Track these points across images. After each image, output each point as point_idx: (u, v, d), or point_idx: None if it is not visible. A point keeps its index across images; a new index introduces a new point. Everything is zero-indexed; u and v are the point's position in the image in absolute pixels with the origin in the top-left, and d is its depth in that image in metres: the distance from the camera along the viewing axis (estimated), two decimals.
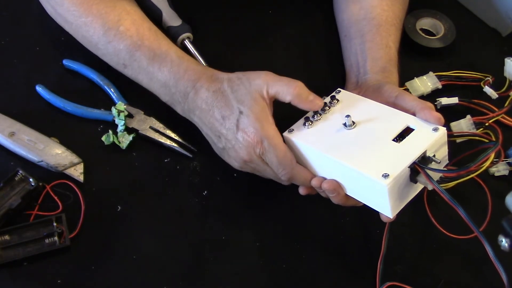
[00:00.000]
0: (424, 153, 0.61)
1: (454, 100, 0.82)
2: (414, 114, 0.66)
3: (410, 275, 0.70)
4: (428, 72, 0.85)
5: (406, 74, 0.84)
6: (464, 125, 0.80)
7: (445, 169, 0.63)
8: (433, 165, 0.62)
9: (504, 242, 0.57)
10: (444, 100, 0.81)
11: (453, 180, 0.62)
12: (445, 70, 0.86)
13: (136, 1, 0.79)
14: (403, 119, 0.65)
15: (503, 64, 0.83)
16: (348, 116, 0.66)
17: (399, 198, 0.62)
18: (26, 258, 0.67)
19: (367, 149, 0.63)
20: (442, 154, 0.65)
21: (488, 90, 0.83)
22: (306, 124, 0.68)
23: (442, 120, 0.64)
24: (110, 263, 0.68)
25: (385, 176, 0.59)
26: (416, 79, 0.85)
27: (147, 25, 0.75)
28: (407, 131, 0.64)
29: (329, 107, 0.69)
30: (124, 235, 0.70)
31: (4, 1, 0.88)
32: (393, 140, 0.63)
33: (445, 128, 0.63)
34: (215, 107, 0.69)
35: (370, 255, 0.72)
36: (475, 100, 0.83)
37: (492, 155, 0.62)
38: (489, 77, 0.84)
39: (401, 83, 0.83)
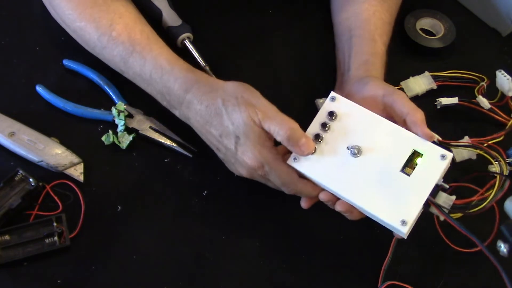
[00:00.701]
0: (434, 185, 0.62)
1: (454, 100, 0.81)
2: (404, 121, 0.66)
3: (410, 275, 0.70)
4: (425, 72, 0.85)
5: (406, 74, 0.84)
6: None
7: (456, 204, 0.63)
8: (441, 196, 0.62)
9: (503, 247, 0.57)
10: (444, 100, 0.81)
11: (463, 211, 0.64)
12: (444, 70, 0.86)
13: (136, 1, 0.79)
14: (408, 142, 0.65)
15: (502, 64, 0.83)
16: (354, 146, 0.65)
17: (412, 224, 0.64)
18: (26, 258, 0.67)
19: (378, 187, 0.64)
20: (444, 174, 0.66)
21: (481, 100, 0.82)
22: None
23: (434, 137, 0.64)
24: (110, 263, 0.68)
25: (403, 222, 0.61)
26: (411, 79, 0.84)
27: (139, 28, 0.73)
28: (414, 154, 0.64)
29: (329, 126, 0.68)
30: (124, 235, 0.70)
31: (4, 1, 0.89)
32: (402, 168, 0.64)
33: (452, 154, 0.64)
34: (211, 124, 0.67)
35: (371, 255, 0.72)
36: (475, 100, 0.82)
37: (506, 188, 0.63)
38: (484, 81, 0.83)
39: (398, 83, 0.83)
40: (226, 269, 0.70)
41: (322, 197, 0.67)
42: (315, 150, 0.67)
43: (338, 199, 0.67)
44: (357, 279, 0.71)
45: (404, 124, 0.67)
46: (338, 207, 0.66)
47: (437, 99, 0.82)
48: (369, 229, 0.73)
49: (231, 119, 0.66)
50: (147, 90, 0.74)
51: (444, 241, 0.71)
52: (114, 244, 0.70)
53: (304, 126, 0.69)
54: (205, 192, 0.74)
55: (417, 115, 0.65)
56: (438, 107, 0.81)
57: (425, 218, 0.65)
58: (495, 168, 0.74)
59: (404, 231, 0.61)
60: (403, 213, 0.61)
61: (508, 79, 0.78)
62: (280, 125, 0.65)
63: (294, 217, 0.74)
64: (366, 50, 0.77)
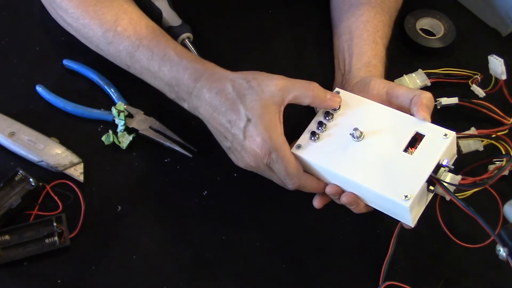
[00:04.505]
0: (438, 162, 0.62)
1: (454, 100, 0.81)
2: (409, 105, 0.67)
3: (410, 275, 0.70)
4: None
5: (405, 74, 0.84)
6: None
7: (462, 183, 0.64)
8: (447, 175, 0.62)
9: (502, 251, 0.57)
10: (444, 100, 0.81)
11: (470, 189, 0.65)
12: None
13: (136, 1, 0.79)
14: (411, 124, 0.65)
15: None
16: (356, 129, 0.66)
17: (418, 209, 0.64)
18: (26, 258, 0.67)
19: (381, 166, 0.64)
20: (452, 155, 0.66)
21: (475, 88, 0.82)
22: (313, 138, 0.67)
23: (427, 120, 0.65)
24: (110, 263, 0.68)
25: (406, 197, 0.60)
26: (405, 76, 0.84)
27: (144, 23, 0.74)
28: (417, 136, 0.65)
29: (332, 115, 0.69)
30: (124, 235, 0.70)
31: (4, 1, 0.88)
32: (405, 149, 0.64)
33: (454, 133, 0.64)
34: (220, 110, 0.67)
35: (371, 255, 0.72)
36: (475, 100, 0.83)
37: (508, 169, 0.64)
38: (477, 75, 0.83)
39: (392, 81, 0.83)
40: (226, 269, 0.70)
41: (329, 190, 0.67)
42: (325, 119, 0.68)
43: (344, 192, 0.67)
44: (357, 279, 0.71)
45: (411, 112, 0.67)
46: (344, 199, 0.66)
47: (437, 99, 0.82)
48: (369, 229, 0.73)
49: (244, 102, 0.66)
50: (154, 83, 0.74)
51: (444, 241, 0.72)
52: (114, 244, 0.70)
53: (304, 125, 0.69)
54: (205, 192, 0.74)
55: (422, 96, 0.66)
56: (438, 107, 0.81)
57: (426, 218, 0.65)
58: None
59: (407, 205, 0.60)
60: (406, 189, 0.61)
61: (500, 61, 0.78)
62: (305, 88, 0.67)
63: (294, 217, 0.74)
64: (367, 52, 0.77)
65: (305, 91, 0.66)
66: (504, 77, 0.79)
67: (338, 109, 0.69)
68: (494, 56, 0.79)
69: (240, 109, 0.66)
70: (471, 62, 0.88)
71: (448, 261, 0.72)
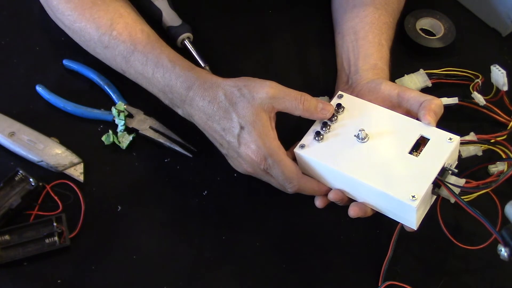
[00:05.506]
0: (443, 165, 0.63)
1: (454, 100, 0.81)
2: (418, 109, 0.67)
3: (410, 275, 0.70)
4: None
5: (405, 74, 0.84)
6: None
7: (467, 186, 0.64)
8: (451, 178, 0.63)
9: (503, 251, 0.57)
10: (445, 100, 0.81)
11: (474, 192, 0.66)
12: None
13: (136, 1, 0.79)
14: (415, 128, 0.66)
15: (502, 64, 0.83)
16: (362, 130, 0.66)
17: (422, 211, 0.64)
18: (26, 258, 0.67)
19: (387, 167, 0.64)
20: (454, 159, 0.66)
21: (476, 96, 0.82)
22: (317, 138, 0.67)
23: (434, 123, 0.65)
24: (110, 263, 0.68)
25: (413, 197, 0.60)
26: (406, 77, 0.84)
27: (140, 28, 0.73)
28: (421, 140, 0.65)
29: (336, 116, 0.69)
30: (124, 235, 0.70)
31: (4, 1, 0.89)
32: (410, 152, 0.64)
33: (459, 137, 0.64)
34: (214, 118, 0.67)
35: (371, 255, 0.72)
36: (475, 100, 0.82)
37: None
38: (478, 78, 0.83)
39: (392, 81, 0.83)
40: (226, 269, 0.70)
41: (331, 196, 0.67)
42: (329, 120, 0.68)
43: (347, 198, 0.67)
44: (357, 279, 0.70)
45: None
46: (352, 213, 0.66)
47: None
48: (369, 229, 0.73)
49: (237, 110, 0.66)
50: (148, 89, 0.74)
51: (444, 241, 0.71)
52: (114, 244, 0.70)
53: (305, 126, 0.69)
54: (205, 192, 0.74)
55: (432, 102, 0.67)
56: None
57: (426, 218, 0.65)
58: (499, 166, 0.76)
59: (414, 205, 0.60)
60: (413, 189, 0.61)
61: (502, 73, 0.78)
62: (296, 100, 0.66)
63: (294, 217, 0.74)
64: (374, 54, 0.77)
65: (295, 104, 0.66)
66: (505, 88, 0.79)
67: (342, 111, 0.69)
68: (497, 66, 0.79)
69: (233, 117, 0.66)
70: (471, 62, 0.88)
71: (448, 261, 0.72)
